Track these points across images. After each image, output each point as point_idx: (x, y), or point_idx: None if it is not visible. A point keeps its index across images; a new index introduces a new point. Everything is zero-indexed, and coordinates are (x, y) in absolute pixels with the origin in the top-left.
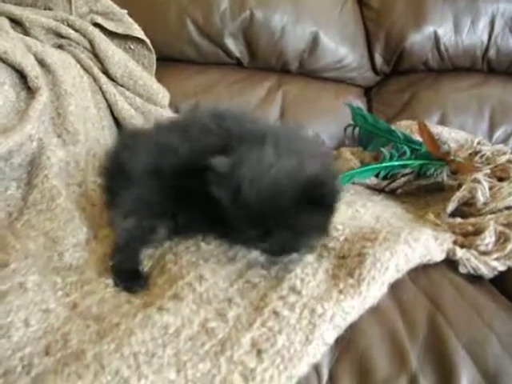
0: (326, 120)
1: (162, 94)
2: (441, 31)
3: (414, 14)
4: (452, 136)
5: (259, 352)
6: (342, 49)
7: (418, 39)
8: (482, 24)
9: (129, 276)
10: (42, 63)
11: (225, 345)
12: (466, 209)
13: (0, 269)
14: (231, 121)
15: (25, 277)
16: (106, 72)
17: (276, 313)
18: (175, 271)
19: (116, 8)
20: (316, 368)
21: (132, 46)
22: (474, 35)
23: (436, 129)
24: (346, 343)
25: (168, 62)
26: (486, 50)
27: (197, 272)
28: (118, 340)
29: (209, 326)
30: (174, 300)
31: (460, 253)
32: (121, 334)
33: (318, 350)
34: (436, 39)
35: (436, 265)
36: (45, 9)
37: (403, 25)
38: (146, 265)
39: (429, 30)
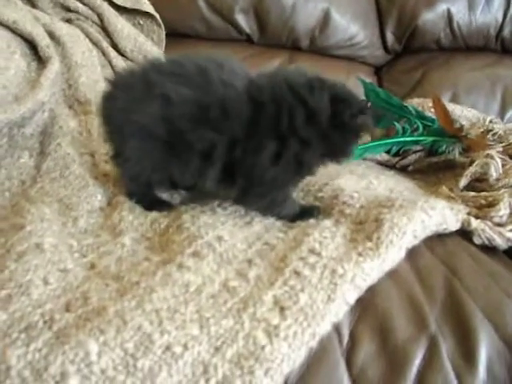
0: None
1: None
2: (454, 9)
3: None
4: (464, 114)
5: (282, 309)
6: (353, 26)
7: (430, 17)
8: (497, 2)
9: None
10: (51, 35)
11: (247, 302)
12: (478, 184)
13: (16, 231)
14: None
15: (41, 238)
16: (115, 46)
17: (297, 272)
18: (193, 230)
19: None
20: (337, 328)
21: (141, 21)
22: (489, 14)
23: (448, 106)
24: (366, 304)
25: (178, 38)
26: (501, 29)
27: (215, 233)
28: (138, 297)
29: (230, 285)
30: (194, 258)
31: (475, 223)
32: (141, 291)
33: (340, 309)
34: (449, 17)
35: (451, 234)
36: None
37: (416, 2)
38: (161, 222)
39: (442, 7)
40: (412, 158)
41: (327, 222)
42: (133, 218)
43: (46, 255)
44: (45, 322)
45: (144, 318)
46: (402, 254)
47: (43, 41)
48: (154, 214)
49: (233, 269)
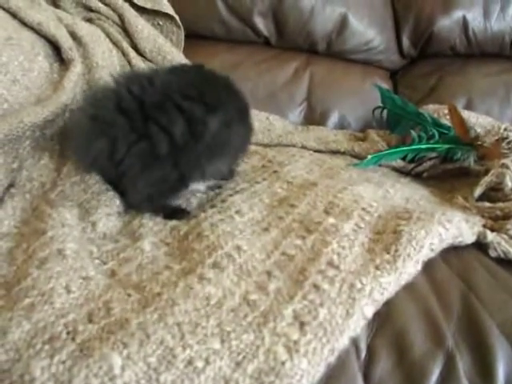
0: (353, 102)
1: None
2: (470, 16)
3: None
4: (479, 121)
5: (302, 324)
6: (369, 31)
7: (446, 24)
8: None
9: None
10: (73, 36)
11: (267, 317)
12: (493, 194)
13: (38, 236)
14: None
15: (63, 244)
16: (134, 47)
17: (316, 286)
18: (213, 239)
19: None
20: (354, 342)
21: (161, 22)
22: (504, 21)
23: (463, 114)
24: (383, 318)
25: (196, 39)
26: None
27: (234, 242)
28: (160, 310)
29: (250, 298)
30: (214, 269)
31: (490, 236)
32: (163, 303)
33: (358, 323)
34: (464, 24)
35: (466, 246)
36: None
37: (432, 8)
38: (180, 229)
39: (458, 14)
40: (427, 164)
41: (346, 228)
42: (153, 225)
43: (67, 262)
44: (68, 333)
45: (166, 331)
46: (419, 267)
47: (66, 43)
48: (173, 222)
49: (252, 281)
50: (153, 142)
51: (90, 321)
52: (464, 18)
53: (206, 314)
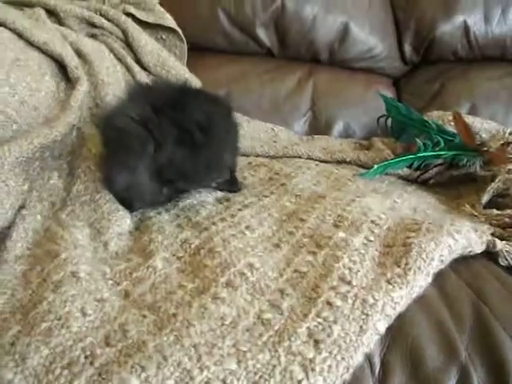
0: (357, 110)
1: (194, 83)
2: (471, 21)
3: (444, 3)
4: (484, 126)
5: (316, 342)
6: (371, 39)
7: (447, 29)
8: None
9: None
10: (78, 53)
11: (282, 335)
12: (501, 200)
13: (52, 258)
14: None
15: (76, 266)
16: (138, 61)
17: (329, 303)
18: (225, 256)
19: None
20: (368, 357)
21: (164, 36)
22: (505, 25)
23: (468, 119)
24: (396, 332)
25: (199, 52)
26: None
27: (246, 260)
28: (176, 331)
29: (264, 317)
30: (228, 288)
31: (500, 245)
32: (179, 325)
33: (372, 339)
34: (466, 29)
35: (476, 256)
36: None
37: (433, 14)
38: (191, 242)
39: (459, 19)
40: (433, 171)
41: (356, 242)
42: (162, 239)
43: (82, 284)
44: (86, 358)
45: (183, 353)
46: (429, 279)
47: (72, 62)
48: (183, 235)
49: (266, 300)
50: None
51: (107, 344)
52: (465, 22)
53: (221, 335)
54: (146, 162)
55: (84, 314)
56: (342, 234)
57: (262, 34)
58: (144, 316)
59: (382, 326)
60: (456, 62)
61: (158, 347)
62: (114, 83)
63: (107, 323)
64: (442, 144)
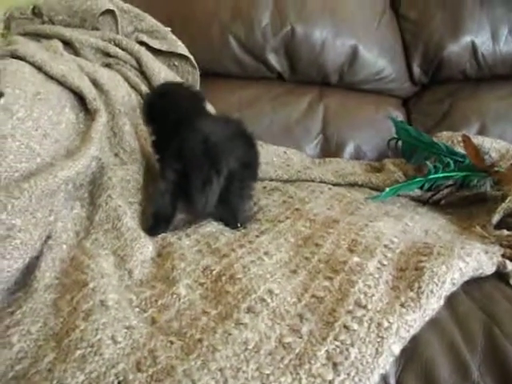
0: (367, 132)
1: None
2: (478, 40)
3: (452, 25)
4: (493, 146)
5: (335, 365)
6: (380, 61)
7: (455, 49)
8: None
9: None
10: (94, 83)
11: (302, 359)
12: (511, 220)
13: (80, 287)
14: None
15: (104, 295)
16: (152, 89)
17: (346, 327)
18: (246, 283)
19: (160, 26)
20: (384, 378)
21: (176, 63)
22: None
23: (477, 139)
24: (410, 354)
25: (211, 78)
26: None
27: (266, 286)
28: (203, 356)
29: (285, 341)
30: (250, 314)
31: (510, 266)
32: (205, 350)
33: (387, 361)
34: (474, 49)
35: (487, 277)
36: (92, 29)
37: (441, 35)
38: (213, 269)
39: (466, 39)
40: (444, 192)
41: (370, 266)
42: (185, 265)
43: (111, 313)
44: (119, 383)
45: (210, 377)
46: (442, 302)
47: (90, 94)
48: (205, 261)
49: (286, 324)
50: None
51: (139, 370)
52: (473, 42)
53: (245, 359)
54: None
55: (115, 342)
56: (356, 259)
57: (272, 58)
58: (171, 342)
59: (397, 348)
60: (465, 82)
61: (186, 372)
62: (130, 110)
63: (137, 350)
64: (452, 166)
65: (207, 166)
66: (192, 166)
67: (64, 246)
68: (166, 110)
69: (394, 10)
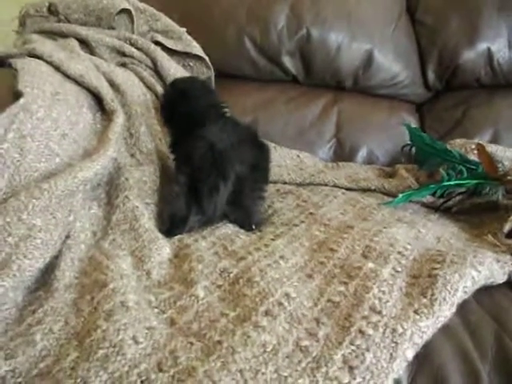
0: (381, 136)
1: None
2: (494, 48)
3: (468, 31)
4: (506, 155)
5: (351, 368)
6: (395, 66)
7: (471, 56)
8: None
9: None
10: (110, 83)
11: (319, 362)
12: None
13: (100, 288)
14: None
15: (124, 296)
16: None
17: (362, 332)
18: (263, 286)
19: (175, 26)
20: (397, 382)
21: (191, 63)
22: None
23: (490, 148)
24: (422, 359)
25: (226, 79)
26: None
27: (283, 289)
28: (223, 358)
29: (302, 345)
30: (268, 317)
31: None
32: (224, 351)
33: (401, 365)
34: (489, 56)
35: (498, 286)
36: (108, 28)
37: (457, 42)
38: (230, 271)
39: (482, 46)
40: (456, 199)
41: (385, 273)
42: (202, 267)
43: (131, 313)
44: (142, 382)
45: (230, 378)
46: (454, 309)
47: (108, 94)
48: (222, 264)
49: (303, 328)
50: None
51: (160, 370)
52: (489, 49)
53: (264, 361)
54: None
55: (136, 342)
56: (371, 265)
57: (287, 61)
58: (191, 343)
59: (410, 354)
60: (479, 89)
61: (207, 373)
62: (145, 110)
63: (158, 350)
64: (465, 173)
65: (214, 173)
66: (199, 174)
67: (82, 246)
68: (182, 112)
69: (411, 14)
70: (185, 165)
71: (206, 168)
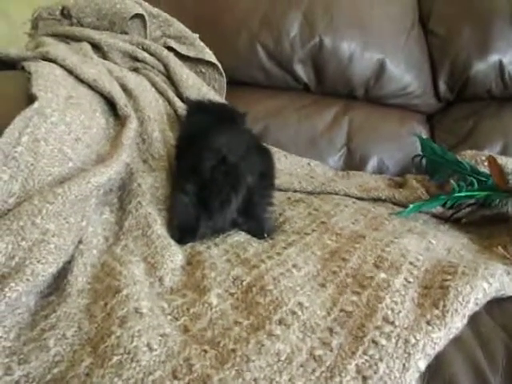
0: (391, 146)
1: None
2: (506, 60)
3: (480, 42)
4: None
5: (364, 378)
6: (407, 76)
7: (482, 68)
8: None
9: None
10: (123, 88)
11: (333, 371)
12: None
13: (113, 294)
14: None
15: (138, 302)
16: (179, 95)
17: (375, 342)
18: (277, 295)
19: (188, 32)
20: None
21: (203, 70)
22: None
23: (501, 160)
24: (434, 370)
25: (238, 86)
26: None
27: (296, 298)
28: (237, 366)
29: (316, 354)
30: (281, 326)
31: None
32: (239, 360)
33: (413, 376)
34: (501, 68)
35: (508, 298)
36: (121, 33)
37: (468, 53)
38: (243, 279)
39: (494, 58)
40: (466, 210)
41: (397, 283)
42: (215, 275)
43: (145, 320)
44: None
45: None
46: (465, 321)
47: (121, 99)
48: (235, 272)
49: (316, 337)
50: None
51: (175, 377)
52: (500, 62)
53: (278, 370)
54: None
55: (150, 349)
56: (383, 275)
57: (299, 69)
58: (205, 351)
59: (423, 365)
60: (490, 100)
61: (222, 381)
62: (158, 118)
63: (172, 357)
64: (476, 185)
65: (226, 187)
66: (210, 186)
67: (94, 251)
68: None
69: (423, 25)
70: (192, 174)
71: (218, 181)
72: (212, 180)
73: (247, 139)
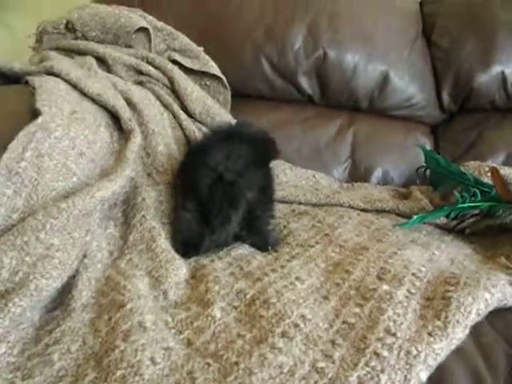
0: (396, 158)
1: None
2: (508, 71)
3: (482, 54)
4: None
5: None
6: (410, 88)
7: (485, 79)
8: None
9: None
10: (127, 101)
11: (335, 383)
12: None
13: (117, 308)
14: None
15: (142, 316)
16: (184, 109)
17: (377, 354)
18: (280, 307)
19: (193, 45)
20: None
21: (208, 83)
22: None
23: (503, 170)
24: (436, 381)
25: (242, 98)
26: None
27: (299, 311)
28: (240, 379)
29: (318, 366)
30: (284, 339)
31: None
32: (242, 372)
33: None
34: (503, 79)
35: (510, 308)
36: (125, 46)
37: (472, 65)
38: (247, 293)
39: (496, 69)
40: (469, 221)
41: (399, 295)
42: (219, 288)
43: (149, 334)
44: None
45: None
46: (467, 332)
47: (126, 114)
48: (238, 285)
49: (319, 350)
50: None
51: None
52: (503, 73)
53: (280, 382)
54: None
55: (154, 363)
56: (385, 287)
57: (303, 81)
58: (208, 364)
59: (424, 376)
60: (493, 112)
61: None
62: (162, 132)
63: (175, 371)
64: (479, 196)
65: (225, 205)
66: (209, 205)
67: (99, 266)
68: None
69: (426, 37)
70: (191, 191)
71: (216, 200)
72: (210, 198)
73: (245, 153)
